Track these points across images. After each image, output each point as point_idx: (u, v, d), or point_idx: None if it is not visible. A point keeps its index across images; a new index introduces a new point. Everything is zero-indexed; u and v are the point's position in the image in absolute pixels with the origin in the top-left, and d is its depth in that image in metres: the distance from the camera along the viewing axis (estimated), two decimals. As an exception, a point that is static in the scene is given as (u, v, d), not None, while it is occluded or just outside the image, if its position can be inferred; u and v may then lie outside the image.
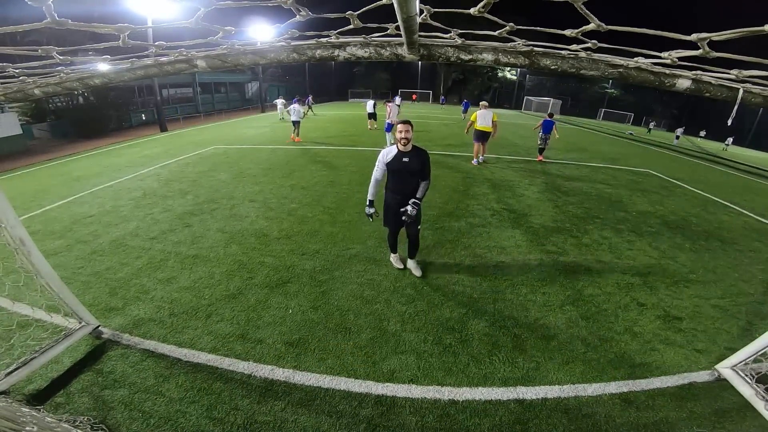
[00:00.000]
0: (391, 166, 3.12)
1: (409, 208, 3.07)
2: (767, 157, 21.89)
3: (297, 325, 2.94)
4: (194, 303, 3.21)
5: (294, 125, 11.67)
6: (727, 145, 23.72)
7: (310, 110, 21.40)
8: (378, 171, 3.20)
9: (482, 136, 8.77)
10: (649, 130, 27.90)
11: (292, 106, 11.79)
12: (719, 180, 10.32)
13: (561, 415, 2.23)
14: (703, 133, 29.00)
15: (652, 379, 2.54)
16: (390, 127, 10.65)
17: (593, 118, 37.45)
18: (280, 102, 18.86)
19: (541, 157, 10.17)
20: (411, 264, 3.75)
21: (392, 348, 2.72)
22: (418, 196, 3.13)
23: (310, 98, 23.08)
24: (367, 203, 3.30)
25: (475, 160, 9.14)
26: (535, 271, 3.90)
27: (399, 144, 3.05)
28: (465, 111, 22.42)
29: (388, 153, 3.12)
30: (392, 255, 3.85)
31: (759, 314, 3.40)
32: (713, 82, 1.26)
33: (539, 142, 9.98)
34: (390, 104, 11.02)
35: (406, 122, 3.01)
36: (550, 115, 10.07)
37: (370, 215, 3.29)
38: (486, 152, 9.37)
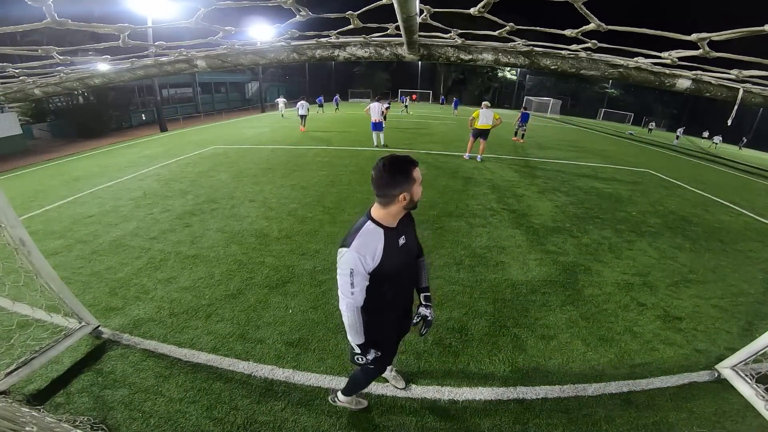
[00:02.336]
0: (387, 268, 1.47)
1: (428, 314, 1.80)
2: (767, 157, 21.90)
3: (297, 325, 2.94)
4: (194, 303, 3.21)
5: (302, 119, 14.49)
6: (717, 143, 23.72)
7: (337, 108, 25.90)
8: (358, 288, 1.46)
9: (481, 134, 9.27)
10: (650, 130, 27.91)
11: (300, 103, 14.45)
12: (719, 180, 10.32)
13: (561, 415, 2.23)
14: (706, 134, 28.99)
15: (652, 379, 2.54)
16: (376, 126, 10.43)
17: (593, 118, 37.44)
18: (281, 101, 21.03)
19: (515, 139, 13.53)
20: (388, 374, 2.41)
21: (392, 348, 2.72)
22: (424, 285, 1.85)
23: (337, 97, 27.28)
24: (359, 350, 1.63)
25: (467, 154, 9.69)
26: (535, 271, 3.90)
27: (390, 213, 1.46)
28: (455, 108, 26.56)
29: (367, 246, 1.42)
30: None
31: (759, 314, 3.40)
32: (713, 82, 1.26)
33: (515, 128, 13.46)
34: (374, 104, 10.37)
35: (416, 164, 1.44)
36: (525, 108, 13.64)
37: (373, 363, 1.71)
38: (484, 152, 9.57)
